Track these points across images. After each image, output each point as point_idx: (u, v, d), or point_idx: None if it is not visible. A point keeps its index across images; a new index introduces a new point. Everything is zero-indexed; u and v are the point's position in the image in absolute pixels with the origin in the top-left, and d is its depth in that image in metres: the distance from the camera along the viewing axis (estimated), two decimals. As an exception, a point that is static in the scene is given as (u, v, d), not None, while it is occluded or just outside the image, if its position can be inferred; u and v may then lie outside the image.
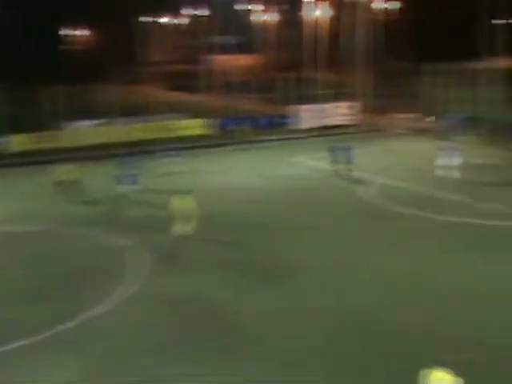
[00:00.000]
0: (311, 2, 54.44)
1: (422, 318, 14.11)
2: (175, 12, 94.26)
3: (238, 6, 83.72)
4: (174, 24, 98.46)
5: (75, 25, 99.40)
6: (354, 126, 43.04)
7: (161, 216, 20.52)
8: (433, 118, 40.44)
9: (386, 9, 68.05)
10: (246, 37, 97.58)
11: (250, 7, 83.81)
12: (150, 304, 15.37)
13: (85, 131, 36.08)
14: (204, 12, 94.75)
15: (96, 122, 36.82)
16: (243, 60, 79.01)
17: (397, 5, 71.25)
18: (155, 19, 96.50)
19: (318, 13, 52.69)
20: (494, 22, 43.65)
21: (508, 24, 54.69)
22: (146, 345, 13.27)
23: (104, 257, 18.73)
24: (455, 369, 9.49)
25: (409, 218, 22.10)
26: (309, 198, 25.29)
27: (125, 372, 12.24)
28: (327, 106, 42.86)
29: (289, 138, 39.71)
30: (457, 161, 28.20)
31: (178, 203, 18.79)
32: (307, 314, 14.61)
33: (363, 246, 19.34)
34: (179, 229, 18.46)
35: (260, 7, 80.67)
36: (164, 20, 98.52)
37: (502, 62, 43.59)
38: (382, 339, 13.31)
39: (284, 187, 27.35)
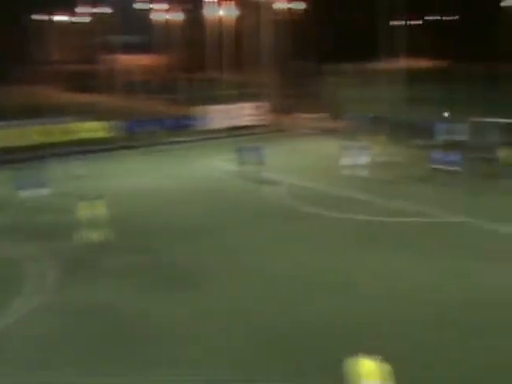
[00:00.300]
0: (214, 1, 54.12)
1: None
2: (72, 10, 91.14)
3: (139, 5, 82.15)
4: (72, 22, 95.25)
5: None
6: (262, 126, 43.15)
7: (67, 222, 19.51)
8: (347, 119, 41.16)
9: (290, 9, 68.86)
10: (148, 36, 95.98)
11: (151, 6, 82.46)
12: (51, 315, 14.48)
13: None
14: (104, 10, 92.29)
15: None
16: (146, 60, 77.57)
17: (301, 5, 72.24)
18: (50, 17, 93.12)
19: (221, 12, 52.39)
20: (393, 23, 45.02)
21: (406, 25, 56.69)
22: (50, 358, 12.46)
23: (2, 267, 17.55)
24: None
25: (315, 217, 22.24)
26: (218, 200, 24.99)
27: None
28: (234, 106, 42.74)
29: (197, 140, 39.24)
30: (362, 160, 28.79)
31: (87, 208, 17.95)
32: (215, 318, 14.29)
33: (270, 247, 19.22)
34: (87, 235, 17.61)
35: (163, 6, 79.47)
36: (61, 18, 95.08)
37: (401, 63, 45.03)
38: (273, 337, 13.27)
39: (193, 189, 26.90)
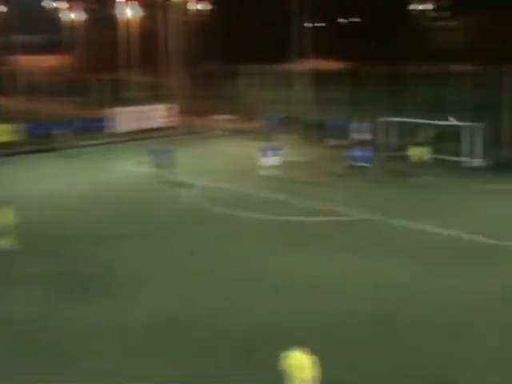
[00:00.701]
0: (122, 1, 53.01)
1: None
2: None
3: (43, 3, 79.50)
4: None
5: None
6: (173, 128, 42.63)
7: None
8: (260, 119, 41.24)
9: (199, 10, 68.50)
10: (54, 36, 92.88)
11: (55, 4, 79.89)
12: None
13: None
14: (2, 9, 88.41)
15: None
16: (52, 61, 75.03)
17: (209, 6, 72.02)
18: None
19: (129, 13, 51.37)
20: (305, 25, 45.65)
21: (316, 27, 57.67)
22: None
23: None
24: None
25: (230, 219, 22.11)
26: (132, 205, 24.35)
27: None
28: (144, 108, 41.96)
29: (108, 143, 38.32)
30: (277, 160, 28.87)
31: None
32: (130, 325, 13.89)
33: (185, 251, 18.90)
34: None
35: (64, 5, 76.98)
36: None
37: (311, 64, 45.74)
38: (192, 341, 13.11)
39: (105, 194, 26.11)
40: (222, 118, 43.38)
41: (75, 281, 16.49)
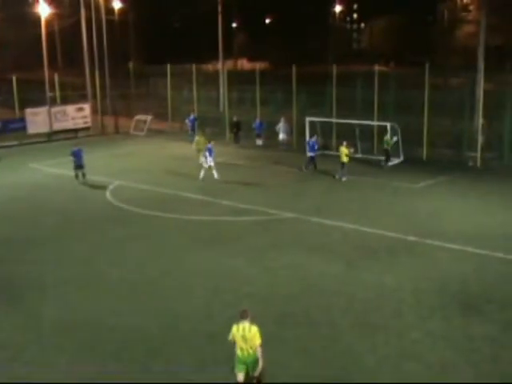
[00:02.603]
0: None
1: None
2: None
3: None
4: None
5: None
6: (88, 128, 41.49)
7: None
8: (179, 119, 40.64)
9: (120, 9, 67.15)
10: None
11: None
12: None
13: None
14: None
15: None
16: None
17: (122, 5, 70.79)
18: None
19: (39, 10, 49.45)
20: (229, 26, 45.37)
21: (239, 28, 57.66)
22: None
23: None
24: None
25: (150, 219, 21.67)
26: (45, 207, 23.45)
27: None
28: (59, 108, 40.56)
29: (22, 144, 37.02)
30: (201, 160, 28.28)
31: None
32: (41, 329, 13.47)
33: (98, 253, 18.36)
34: None
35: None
36: None
37: (231, 64, 45.62)
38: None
39: (18, 197, 25.04)
40: (139, 118, 42.63)
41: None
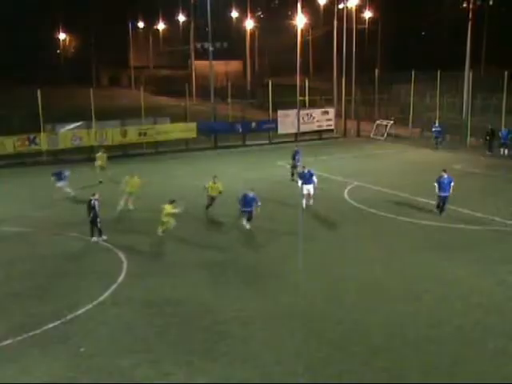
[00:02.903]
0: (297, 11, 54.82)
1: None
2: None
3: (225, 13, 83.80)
4: None
5: None
6: (332, 131, 43.92)
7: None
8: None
9: (364, 19, 68.97)
10: (227, 43, 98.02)
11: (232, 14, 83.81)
12: None
13: None
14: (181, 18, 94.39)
15: None
16: (224, 66, 79.20)
17: (373, 15, 72.12)
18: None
19: (297, 21, 53.23)
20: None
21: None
22: None
23: None
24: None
25: (384, 220, 22.64)
26: (286, 202, 25.63)
27: None
28: (307, 111, 43.45)
29: (272, 143, 41.27)
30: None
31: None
32: (275, 314, 15.21)
33: (331, 249, 19.95)
34: None
35: (234, 14, 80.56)
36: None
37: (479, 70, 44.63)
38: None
39: (260, 188, 27.78)
40: (384, 123, 43.81)
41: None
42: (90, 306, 15.58)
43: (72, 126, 36.72)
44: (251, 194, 21.47)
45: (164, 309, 15.41)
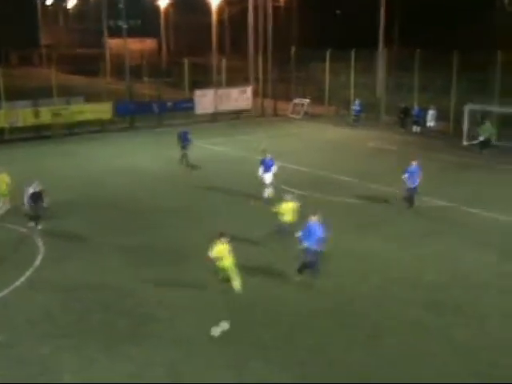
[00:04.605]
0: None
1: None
2: None
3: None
4: None
5: None
6: (249, 110, 43.83)
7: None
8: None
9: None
10: (139, 21, 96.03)
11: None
12: None
13: None
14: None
15: None
16: (137, 44, 77.52)
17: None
18: None
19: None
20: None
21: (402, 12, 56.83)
22: None
23: None
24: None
25: (306, 199, 22.59)
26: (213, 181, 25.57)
27: None
28: (224, 91, 43.07)
29: (189, 123, 39.96)
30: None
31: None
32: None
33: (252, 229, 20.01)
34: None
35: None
36: None
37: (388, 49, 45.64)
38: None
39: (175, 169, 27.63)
40: (301, 102, 44.10)
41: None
42: (6, 291, 15.01)
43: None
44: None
45: (83, 293, 15.02)
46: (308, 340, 12.79)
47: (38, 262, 16.81)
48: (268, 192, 22.26)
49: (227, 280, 14.37)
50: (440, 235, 18.88)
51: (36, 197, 19.08)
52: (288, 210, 17.67)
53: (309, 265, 15.29)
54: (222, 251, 14.18)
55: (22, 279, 15.72)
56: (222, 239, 14.25)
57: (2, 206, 21.12)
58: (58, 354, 12.36)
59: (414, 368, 11.82)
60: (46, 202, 19.24)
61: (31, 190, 19.10)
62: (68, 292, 15.07)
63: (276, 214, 17.82)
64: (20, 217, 19.78)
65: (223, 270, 14.30)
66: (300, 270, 15.46)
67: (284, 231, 17.65)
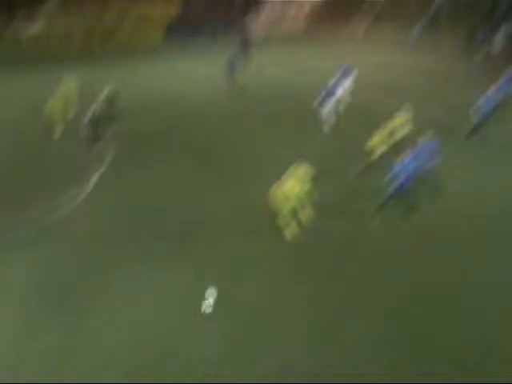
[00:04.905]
0: None
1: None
2: None
3: None
4: None
5: None
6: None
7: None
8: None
9: None
10: None
11: None
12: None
13: None
14: None
15: None
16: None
17: None
18: None
19: None
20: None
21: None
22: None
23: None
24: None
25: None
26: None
27: None
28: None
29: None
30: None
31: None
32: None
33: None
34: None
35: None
36: None
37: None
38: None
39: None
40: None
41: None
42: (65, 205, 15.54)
43: None
44: None
45: (141, 209, 15.36)
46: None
47: (97, 176, 17.38)
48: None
49: (293, 215, 13.07)
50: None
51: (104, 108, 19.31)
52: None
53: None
54: (295, 179, 13.04)
55: (82, 191, 16.37)
56: (297, 165, 13.11)
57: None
58: (122, 264, 13.02)
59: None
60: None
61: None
62: (126, 207, 15.61)
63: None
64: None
65: (293, 201, 13.01)
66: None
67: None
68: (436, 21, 37.14)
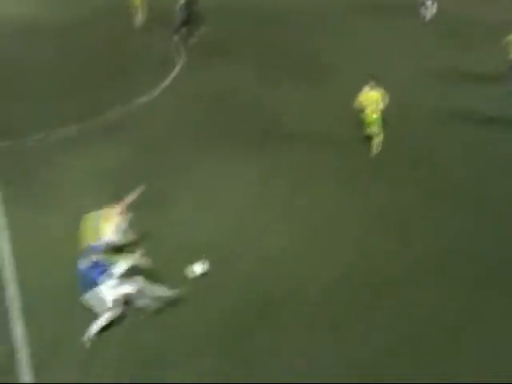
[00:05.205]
0: None
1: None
2: None
3: None
4: None
5: None
6: None
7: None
8: None
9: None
10: None
11: None
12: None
13: None
14: None
15: None
16: None
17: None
18: None
19: None
20: None
21: None
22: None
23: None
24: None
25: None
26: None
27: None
28: None
29: None
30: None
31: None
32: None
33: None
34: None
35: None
36: None
37: None
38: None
39: None
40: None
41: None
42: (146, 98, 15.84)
43: None
44: None
45: (219, 101, 15.70)
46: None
47: (177, 70, 17.62)
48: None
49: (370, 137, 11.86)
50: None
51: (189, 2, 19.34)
52: None
53: None
54: (369, 98, 11.58)
55: (163, 85, 16.66)
56: (372, 83, 11.50)
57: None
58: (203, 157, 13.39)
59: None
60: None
61: None
62: (206, 99, 15.90)
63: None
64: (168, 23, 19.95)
65: (368, 123, 11.82)
66: None
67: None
68: None
